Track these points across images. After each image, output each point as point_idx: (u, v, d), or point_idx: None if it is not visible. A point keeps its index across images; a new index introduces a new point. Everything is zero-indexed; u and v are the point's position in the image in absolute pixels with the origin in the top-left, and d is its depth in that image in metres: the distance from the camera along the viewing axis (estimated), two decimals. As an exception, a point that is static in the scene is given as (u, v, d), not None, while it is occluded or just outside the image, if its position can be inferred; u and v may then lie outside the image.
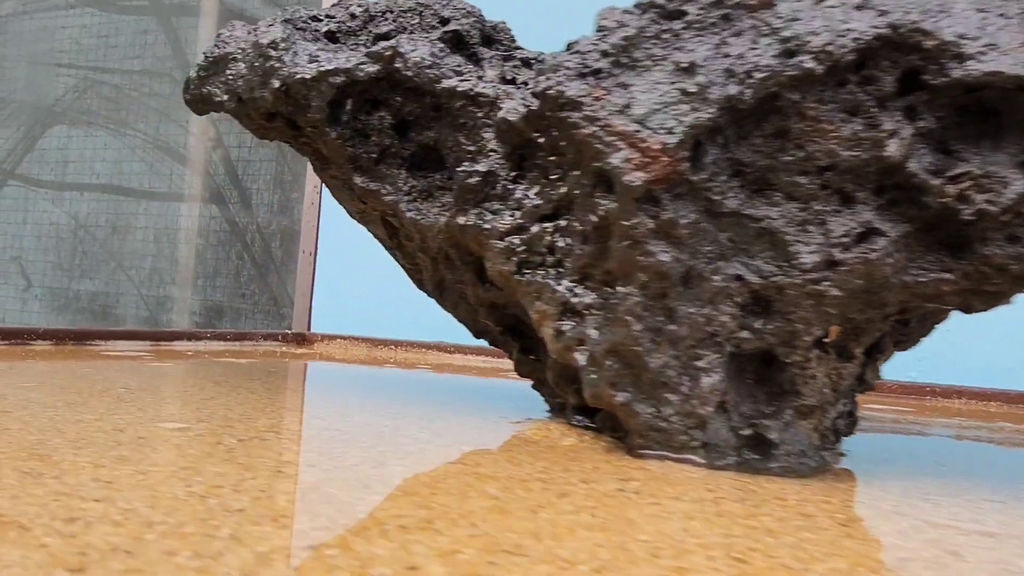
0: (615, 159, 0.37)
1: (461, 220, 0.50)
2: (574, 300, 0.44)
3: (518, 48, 0.71)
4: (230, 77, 0.64)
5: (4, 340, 0.96)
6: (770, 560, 0.25)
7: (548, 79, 0.40)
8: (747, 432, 0.40)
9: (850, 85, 0.36)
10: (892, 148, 0.35)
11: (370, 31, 0.67)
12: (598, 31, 0.40)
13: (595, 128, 0.38)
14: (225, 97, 0.66)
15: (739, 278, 0.39)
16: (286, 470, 0.33)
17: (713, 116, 0.36)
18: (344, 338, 1.54)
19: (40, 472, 0.29)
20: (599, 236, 0.41)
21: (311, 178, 1.81)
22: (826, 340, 0.39)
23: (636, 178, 0.37)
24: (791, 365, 0.39)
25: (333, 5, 0.72)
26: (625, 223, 0.38)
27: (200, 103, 0.71)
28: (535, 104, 0.45)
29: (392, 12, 0.68)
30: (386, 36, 0.66)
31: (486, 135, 0.52)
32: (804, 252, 0.37)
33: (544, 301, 0.46)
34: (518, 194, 0.48)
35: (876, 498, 0.36)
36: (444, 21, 0.67)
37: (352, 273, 1.68)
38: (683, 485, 0.35)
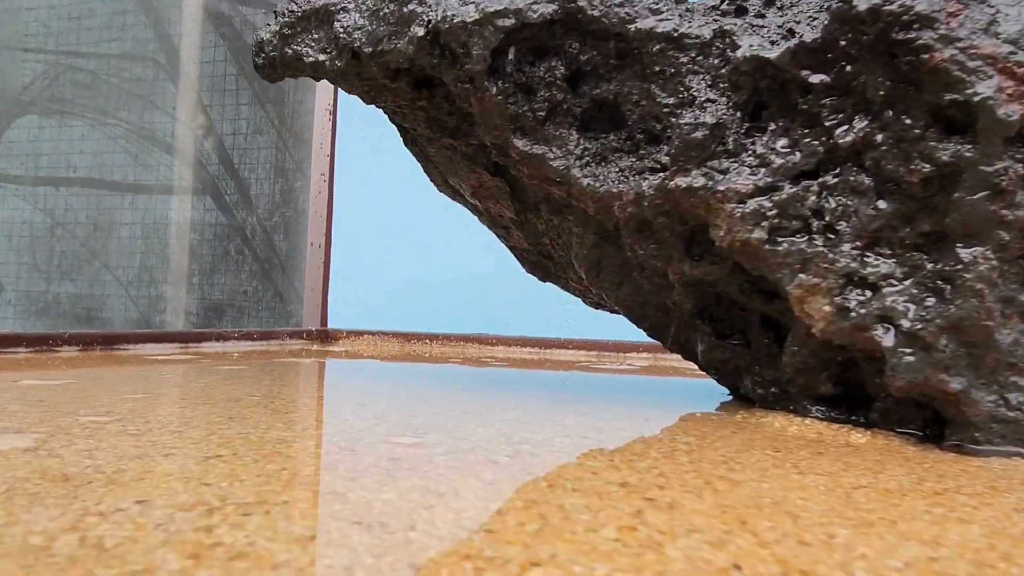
0: (982, 88, 0.30)
1: (682, 182, 0.42)
2: (865, 270, 0.36)
3: None
4: (340, 30, 0.55)
5: (29, 347, 0.85)
6: None
7: None
8: None
9: None
10: None
11: None
12: None
13: (954, 50, 0.31)
14: (326, 56, 0.57)
15: None
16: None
17: None
18: (372, 333, 1.45)
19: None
20: (925, 190, 0.34)
21: (317, 165, 1.70)
22: None
23: (1012, 111, 0.30)
24: None
25: None
26: (987, 168, 0.31)
27: (279, 68, 0.62)
28: (814, 35, 0.37)
29: None
30: None
31: (693, 84, 0.44)
32: None
33: (813, 273, 0.38)
34: (759, 148, 0.41)
35: None
36: None
37: (369, 265, 1.58)
38: None
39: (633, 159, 0.48)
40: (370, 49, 0.53)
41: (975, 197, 0.32)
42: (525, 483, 0.26)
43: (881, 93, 0.34)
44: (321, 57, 0.58)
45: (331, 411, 0.42)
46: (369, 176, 1.56)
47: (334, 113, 1.77)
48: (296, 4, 0.61)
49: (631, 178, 0.47)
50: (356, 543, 0.19)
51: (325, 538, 0.19)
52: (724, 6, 0.53)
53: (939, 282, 0.34)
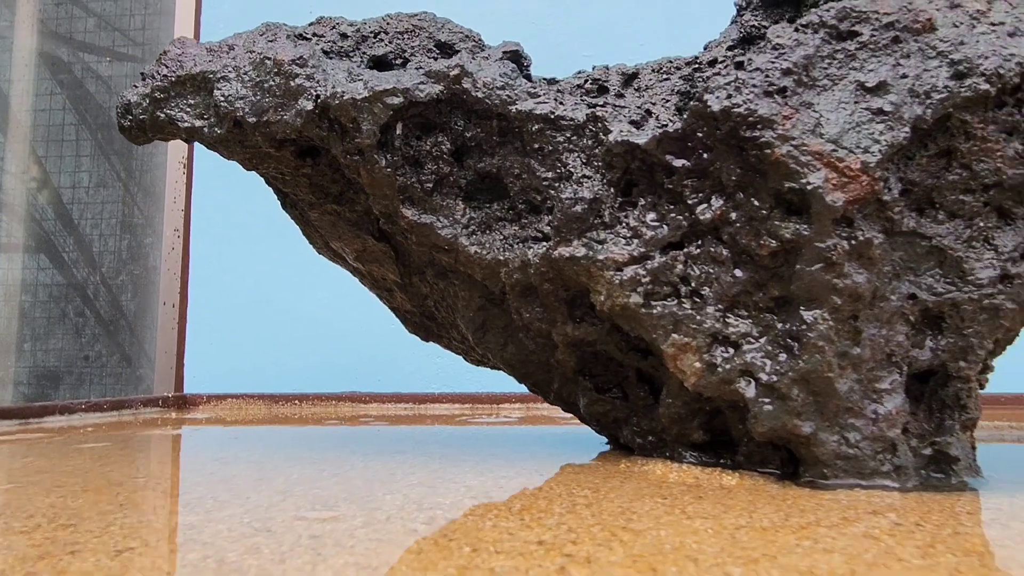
0: (813, 179, 0.36)
1: (565, 252, 0.46)
2: (728, 330, 0.42)
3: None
4: (221, 99, 0.56)
5: None
6: None
7: (731, 98, 0.38)
8: (927, 451, 0.40)
9: (1008, 107, 0.38)
10: None
11: (364, 52, 0.62)
12: (774, 49, 0.39)
13: (789, 147, 0.37)
14: (203, 122, 0.57)
15: (912, 297, 0.39)
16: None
17: (907, 135, 0.36)
18: (236, 397, 1.39)
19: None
20: (773, 261, 0.39)
21: (170, 220, 1.63)
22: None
23: (837, 199, 0.36)
24: (957, 379, 0.40)
25: (312, 23, 0.65)
26: (820, 245, 0.37)
27: (148, 131, 0.61)
28: (675, 125, 0.42)
29: (387, 33, 0.63)
30: (383, 59, 0.61)
31: (570, 160, 0.49)
32: (979, 268, 0.38)
33: (683, 333, 0.43)
34: (632, 221, 0.45)
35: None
36: (441, 45, 0.63)
37: (231, 324, 1.52)
38: (926, 512, 0.34)
39: (516, 227, 0.51)
40: (254, 119, 0.54)
41: (813, 268, 0.37)
42: (450, 550, 0.28)
43: (733, 178, 0.40)
44: (198, 123, 0.58)
45: (228, 489, 0.41)
46: (231, 231, 1.51)
47: (189, 166, 1.70)
48: (168, 68, 0.61)
49: (515, 246, 0.50)
50: (313, 626, 0.20)
51: (280, 625, 0.20)
52: (587, 85, 0.58)
53: (788, 340, 0.39)
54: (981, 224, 0.39)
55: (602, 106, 0.50)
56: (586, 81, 0.58)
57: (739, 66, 0.40)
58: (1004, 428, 0.77)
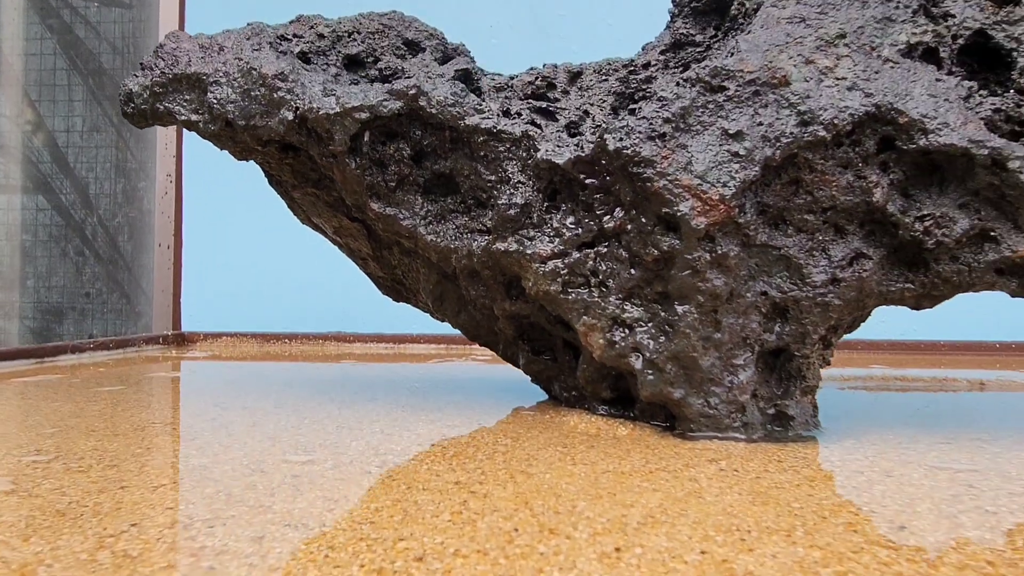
0: (683, 207, 0.47)
1: (501, 246, 0.57)
2: (624, 315, 0.53)
3: (479, 70, 0.77)
4: (214, 100, 0.65)
5: None
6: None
7: (622, 140, 0.48)
8: (771, 411, 0.52)
9: (843, 147, 0.48)
10: (878, 195, 0.48)
11: (339, 51, 0.70)
12: (659, 100, 0.48)
13: (665, 182, 0.47)
14: (199, 116, 0.66)
15: (764, 294, 0.50)
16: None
17: (757, 173, 0.47)
18: (230, 335, 1.51)
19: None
20: (656, 266, 0.50)
21: (163, 165, 1.71)
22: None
23: (700, 223, 0.47)
24: (799, 357, 0.51)
25: (293, 22, 0.73)
26: (688, 256, 0.48)
27: (149, 119, 0.70)
28: (587, 151, 0.52)
29: (359, 33, 0.72)
30: (356, 57, 0.70)
31: (508, 167, 0.58)
32: (815, 272, 0.49)
33: (592, 316, 0.54)
34: (555, 223, 0.56)
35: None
36: (409, 43, 0.72)
37: (224, 266, 1.62)
38: (758, 457, 0.45)
39: (466, 219, 0.62)
40: (243, 122, 0.63)
41: (683, 274, 0.48)
42: (391, 487, 0.39)
43: (628, 198, 0.50)
44: (194, 118, 0.67)
45: (229, 435, 0.53)
46: (222, 177, 1.59)
47: (178, 113, 1.75)
48: (164, 62, 0.69)
49: (464, 236, 0.61)
50: (291, 538, 0.31)
51: (270, 537, 0.31)
52: (538, 82, 0.67)
53: (667, 326, 0.51)
54: (820, 238, 0.50)
55: (544, 111, 0.59)
56: (537, 78, 0.67)
57: (632, 112, 0.49)
58: (890, 379, 0.90)
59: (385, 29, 0.73)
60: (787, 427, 0.52)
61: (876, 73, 0.48)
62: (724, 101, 0.47)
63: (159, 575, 0.27)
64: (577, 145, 0.54)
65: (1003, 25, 0.52)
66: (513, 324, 0.64)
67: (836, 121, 0.47)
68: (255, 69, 0.62)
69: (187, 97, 0.67)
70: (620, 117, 0.49)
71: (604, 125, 0.49)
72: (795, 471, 0.43)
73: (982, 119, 0.48)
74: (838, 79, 0.48)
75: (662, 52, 0.71)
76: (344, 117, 0.59)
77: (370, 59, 0.71)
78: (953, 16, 0.52)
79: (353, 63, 0.71)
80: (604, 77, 0.68)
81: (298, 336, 1.47)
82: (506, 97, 0.64)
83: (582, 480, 0.41)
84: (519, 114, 0.62)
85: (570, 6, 1.57)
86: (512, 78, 0.69)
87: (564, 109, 0.64)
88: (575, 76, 0.69)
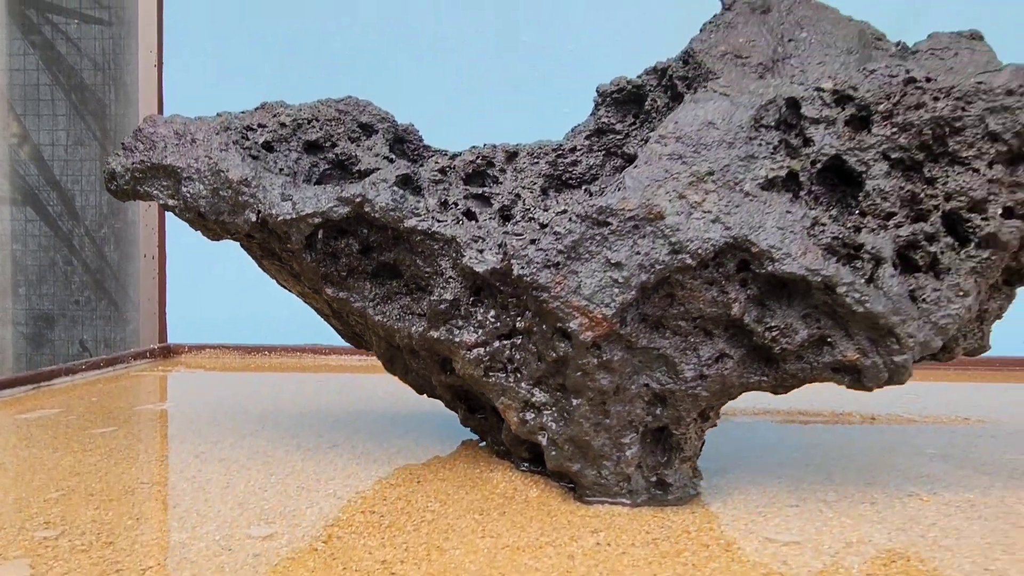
0: (573, 324, 0.57)
1: (435, 334, 0.67)
2: (533, 399, 0.63)
3: (426, 147, 0.87)
4: (188, 195, 0.74)
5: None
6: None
7: (523, 268, 0.58)
8: (654, 479, 0.63)
9: (708, 269, 0.58)
10: (736, 309, 0.58)
11: (300, 138, 0.80)
12: (554, 235, 0.58)
13: (558, 303, 0.57)
14: (175, 202, 0.75)
15: (646, 385, 0.61)
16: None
17: (635, 295, 0.57)
18: (213, 347, 1.60)
19: None
20: (556, 364, 0.60)
21: (146, 180, 1.78)
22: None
23: (587, 336, 0.57)
24: (677, 434, 0.62)
25: (258, 109, 0.82)
26: (579, 361, 0.58)
27: (132, 197, 0.79)
28: (502, 266, 0.62)
29: (318, 120, 0.81)
30: (315, 142, 0.80)
31: (442, 262, 0.68)
32: (686, 368, 0.60)
33: (508, 397, 0.65)
34: (479, 316, 0.66)
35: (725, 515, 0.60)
36: (363, 125, 0.82)
37: (207, 276, 1.71)
38: (633, 528, 0.56)
39: (409, 299, 0.72)
40: (213, 217, 0.73)
41: (576, 375, 0.59)
42: (331, 568, 0.50)
43: (532, 307, 0.60)
44: (171, 203, 0.76)
45: (207, 499, 0.63)
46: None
47: (159, 129, 1.82)
48: (143, 145, 0.78)
49: (407, 317, 0.71)
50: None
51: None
52: (478, 161, 0.77)
53: (566, 413, 0.61)
54: (691, 340, 0.60)
55: (480, 196, 0.69)
56: (478, 157, 0.77)
57: (533, 242, 0.59)
58: (795, 414, 1.01)
59: (341, 115, 0.82)
60: (667, 491, 0.63)
61: (736, 207, 0.58)
62: (608, 234, 0.57)
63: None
64: (500, 246, 0.64)
65: (855, 151, 0.62)
66: (450, 390, 0.74)
67: (700, 251, 0.57)
68: (222, 172, 0.72)
69: (164, 183, 0.76)
70: (524, 245, 0.59)
71: (511, 251, 0.59)
72: (655, 545, 0.54)
73: (823, 246, 0.58)
74: (705, 212, 0.58)
75: (587, 137, 0.80)
76: (300, 222, 0.68)
77: (328, 143, 0.80)
78: (814, 143, 0.62)
79: (312, 147, 0.80)
80: (536, 160, 0.78)
81: (277, 348, 1.57)
82: (445, 188, 0.74)
83: (483, 558, 0.52)
84: (456, 204, 0.71)
85: (532, 32, 1.64)
86: (455, 157, 0.78)
87: (498, 194, 0.73)
88: (511, 156, 0.78)
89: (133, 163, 0.77)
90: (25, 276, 1.92)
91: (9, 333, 1.93)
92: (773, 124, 0.62)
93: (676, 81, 0.73)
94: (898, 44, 0.76)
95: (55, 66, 1.85)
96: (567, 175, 0.78)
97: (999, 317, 0.69)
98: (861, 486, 0.68)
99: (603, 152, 0.79)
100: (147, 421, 0.95)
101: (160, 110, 1.76)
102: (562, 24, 1.66)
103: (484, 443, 0.81)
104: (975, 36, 0.74)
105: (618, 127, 0.80)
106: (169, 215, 1.73)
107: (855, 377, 0.59)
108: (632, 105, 0.80)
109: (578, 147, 0.79)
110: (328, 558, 0.52)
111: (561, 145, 0.79)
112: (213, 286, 1.72)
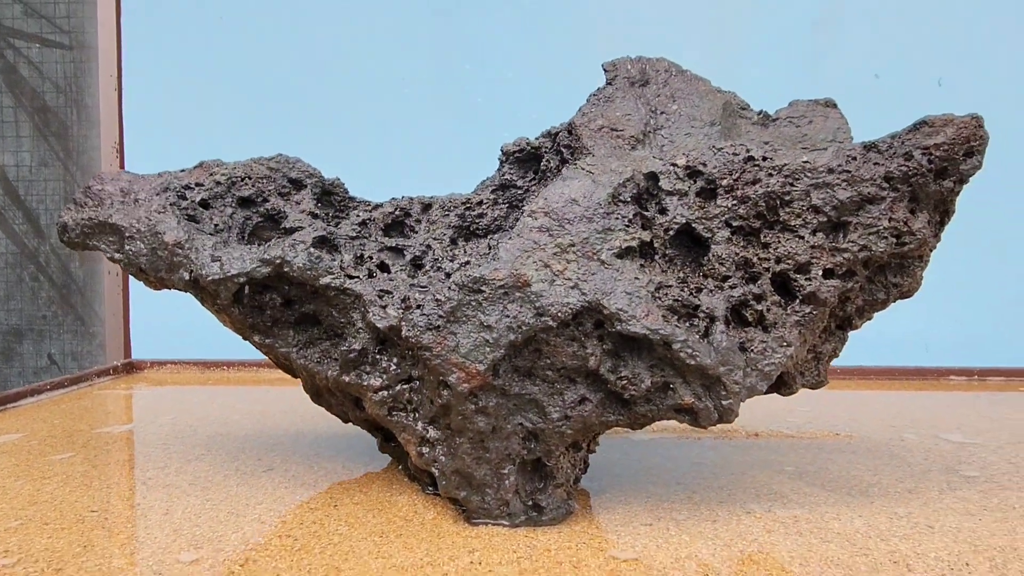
0: (452, 378, 0.67)
1: (346, 378, 0.77)
2: (428, 435, 0.74)
3: (351, 198, 0.97)
4: (130, 252, 0.83)
5: None
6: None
7: (410, 331, 0.68)
8: (530, 503, 0.74)
9: (570, 327, 0.69)
10: (592, 362, 0.69)
11: (234, 194, 0.90)
12: (435, 300, 0.69)
13: (439, 360, 0.67)
14: (120, 256, 0.85)
15: (521, 424, 0.72)
16: None
17: (504, 352, 0.67)
18: (174, 363, 1.70)
19: None
20: (442, 408, 0.71)
21: (108, 200, 1.85)
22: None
23: (464, 388, 0.67)
24: (550, 465, 0.73)
25: (196, 168, 0.92)
26: (460, 407, 0.69)
27: (83, 248, 0.89)
28: (395, 324, 0.72)
29: (251, 178, 0.91)
30: (248, 198, 0.89)
31: (353, 315, 0.79)
32: (552, 411, 0.71)
33: (408, 433, 0.75)
34: (383, 363, 0.76)
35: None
36: (293, 181, 0.92)
37: (170, 292, 1.79)
38: (505, 547, 0.67)
39: (328, 345, 0.82)
40: (152, 273, 0.82)
41: (457, 418, 0.69)
42: None
43: (419, 364, 0.71)
44: (117, 256, 0.86)
45: (146, 526, 0.73)
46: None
47: (121, 150, 1.92)
48: (92, 201, 0.87)
49: (325, 361, 0.81)
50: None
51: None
52: (396, 212, 0.87)
53: (452, 448, 0.72)
54: (557, 386, 0.71)
55: (394, 248, 0.79)
56: (396, 209, 0.87)
57: (419, 306, 0.69)
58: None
59: (272, 173, 0.92)
60: (542, 513, 0.74)
61: (592, 274, 0.69)
62: (482, 300, 0.68)
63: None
64: (403, 300, 0.74)
65: (703, 220, 0.73)
66: (366, 424, 0.85)
67: (560, 313, 0.67)
68: (159, 234, 0.81)
69: (111, 239, 0.86)
70: (412, 308, 0.69)
71: (400, 314, 0.70)
72: (518, 563, 0.65)
73: (666, 307, 0.69)
74: (566, 280, 0.68)
75: (492, 191, 0.91)
76: (227, 281, 0.78)
77: (260, 199, 0.90)
78: (668, 212, 0.72)
79: (246, 202, 0.90)
80: (447, 212, 0.88)
81: (235, 363, 1.66)
82: (361, 243, 0.84)
83: (371, 576, 0.62)
84: (371, 257, 0.81)
85: (477, 60, 1.73)
86: (376, 208, 0.88)
87: (411, 245, 0.84)
88: (426, 207, 0.89)
89: (83, 219, 0.87)
90: (-6, 292, 1.99)
91: (-21, 346, 2.00)
92: (629, 199, 0.73)
93: (563, 148, 0.84)
94: (760, 113, 0.87)
95: (18, 89, 1.91)
96: (474, 226, 0.88)
97: (835, 356, 0.81)
98: (713, 504, 0.79)
99: (507, 205, 0.90)
100: (104, 445, 1.04)
101: (120, 131, 1.84)
102: (502, 55, 1.75)
103: (401, 467, 0.91)
104: (829, 104, 0.85)
105: (519, 183, 0.90)
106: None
107: (693, 418, 0.70)
108: (532, 163, 0.90)
109: (484, 200, 0.89)
110: (242, 580, 0.62)
111: (470, 198, 0.90)
112: (175, 299, 1.81)
